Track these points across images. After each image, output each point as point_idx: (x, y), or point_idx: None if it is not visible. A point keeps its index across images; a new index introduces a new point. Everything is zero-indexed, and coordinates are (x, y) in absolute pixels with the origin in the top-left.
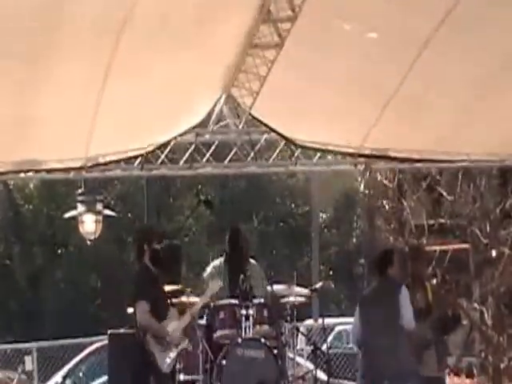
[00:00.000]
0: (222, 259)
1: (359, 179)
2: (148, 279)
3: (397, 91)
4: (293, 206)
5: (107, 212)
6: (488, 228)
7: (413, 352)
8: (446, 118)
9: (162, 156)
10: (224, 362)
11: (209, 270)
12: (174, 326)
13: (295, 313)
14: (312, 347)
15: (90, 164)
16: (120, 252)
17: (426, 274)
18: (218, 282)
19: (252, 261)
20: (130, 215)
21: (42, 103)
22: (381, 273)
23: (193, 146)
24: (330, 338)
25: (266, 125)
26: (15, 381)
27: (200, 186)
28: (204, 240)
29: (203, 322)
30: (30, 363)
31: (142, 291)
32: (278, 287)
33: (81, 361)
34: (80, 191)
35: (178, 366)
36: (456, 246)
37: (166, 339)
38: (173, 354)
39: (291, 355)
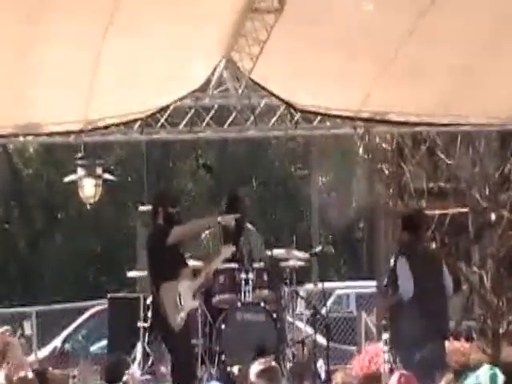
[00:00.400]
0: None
1: (358, 143)
2: (161, 239)
3: (396, 54)
4: (292, 169)
5: (107, 176)
6: (487, 191)
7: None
8: (445, 81)
9: (162, 120)
10: (223, 326)
11: (207, 231)
12: (185, 285)
13: (295, 277)
14: (311, 311)
15: (89, 127)
16: (120, 216)
17: (426, 238)
18: (230, 246)
19: (249, 226)
20: (129, 180)
21: (41, 66)
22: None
23: (193, 110)
24: (329, 302)
25: (265, 89)
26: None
27: (200, 151)
28: (204, 204)
29: None
30: (28, 327)
31: (152, 248)
32: (277, 251)
33: (80, 325)
34: (79, 155)
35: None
36: (455, 210)
37: (177, 298)
38: (183, 314)
39: (290, 319)
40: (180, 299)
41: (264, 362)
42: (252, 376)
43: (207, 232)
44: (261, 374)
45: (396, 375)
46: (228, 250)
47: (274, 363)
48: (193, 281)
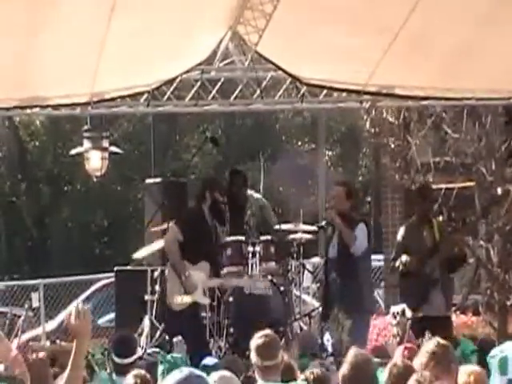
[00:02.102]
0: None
1: (365, 117)
2: (196, 221)
3: (402, 27)
4: (299, 143)
5: (113, 149)
6: (493, 166)
7: (418, 292)
8: (450, 54)
9: (168, 93)
10: (231, 299)
11: None
12: (198, 277)
13: (302, 250)
14: (318, 285)
15: (95, 99)
16: (127, 190)
17: (433, 209)
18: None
19: (255, 195)
20: (136, 153)
21: (48, 39)
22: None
23: (199, 83)
24: None
25: (271, 62)
26: (22, 317)
27: (206, 125)
28: None
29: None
30: (36, 300)
31: (184, 225)
32: (284, 225)
33: (88, 298)
34: (86, 128)
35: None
36: (462, 184)
37: (181, 279)
38: (187, 299)
39: (297, 292)
40: (189, 285)
41: (264, 335)
42: (252, 349)
43: None
44: (259, 348)
45: (400, 348)
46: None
47: (273, 336)
48: (209, 278)
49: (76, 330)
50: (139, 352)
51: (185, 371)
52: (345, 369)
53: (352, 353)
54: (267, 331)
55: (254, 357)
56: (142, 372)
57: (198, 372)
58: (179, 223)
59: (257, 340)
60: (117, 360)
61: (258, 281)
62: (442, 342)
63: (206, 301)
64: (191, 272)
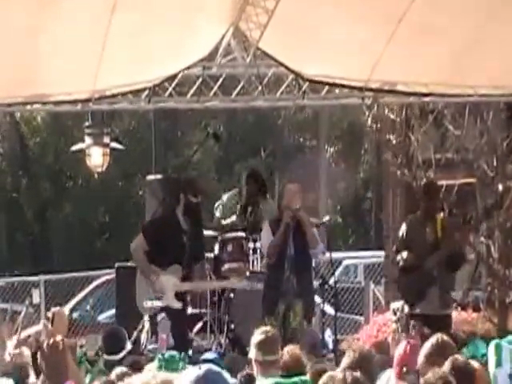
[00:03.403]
0: (233, 193)
1: (366, 114)
2: (165, 226)
3: (401, 21)
4: (301, 140)
5: (114, 145)
6: (495, 162)
7: (416, 289)
8: (452, 50)
9: (170, 89)
10: (232, 295)
11: (220, 202)
12: (168, 281)
13: None
14: (319, 281)
15: (97, 96)
16: (128, 186)
17: (438, 207)
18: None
19: (270, 200)
20: (138, 149)
21: (50, 36)
22: None
23: (200, 79)
24: (337, 273)
25: (273, 58)
26: (22, 313)
27: (208, 121)
28: (212, 174)
29: (211, 255)
30: (37, 296)
31: (151, 232)
32: None
33: (88, 294)
34: (87, 124)
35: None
36: (463, 181)
37: (150, 282)
38: (157, 304)
39: None
40: (160, 292)
41: (266, 330)
42: (253, 344)
43: (224, 203)
44: (260, 343)
45: (403, 344)
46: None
47: (274, 331)
48: (180, 282)
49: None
50: (128, 347)
51: (203, 368)
52: (346, 365)
53: (353, 349)
54: (268, 327)
55: (254, 352)
56: (124, 369)
57: (215, 368)
58: (146, 231)
59: (258, 335)
60: (106, 357)
61: (229, 281)
62: (444, 337)
63: (177, 305)
64: (162, 277)
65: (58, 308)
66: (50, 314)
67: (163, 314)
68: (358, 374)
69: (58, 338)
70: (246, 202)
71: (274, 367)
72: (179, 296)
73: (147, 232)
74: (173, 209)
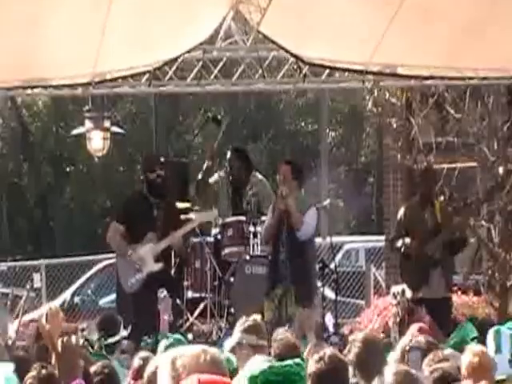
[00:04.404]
0: (221, 172)
1: (367, 97)
2: (132, 205)
3: (402, 3)
4: (302, 124)
5: (115, 129)
6: (496, 146)
7: (418, 273)
8: (454, 33)
9: (170, 72)
10: (232, 279)
11: (212, 180)
12: (145, 249)
13: None
14: (320, 265)
15: (97, 80)
16: (129, 171)
17: (435, 192)
18: (214, 212)
19: (259, 176)
20: (139, 133)
21: (50, 21)
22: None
23: (200, 63)
24: (338, 257)
25: (273, 42)
26: (23, 298)
27: (209, 105)
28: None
29: (211, 239)
30: (38, 280)
31: (121, 215)
32: None
33: (89, 279)
34: (87, 108)
35: (186, 284)
36: (463, 164)
37: (127, 259)
38: (139, 276)
39: None
40: (138, 262)
41: (254, 318)
42: (244, 329)
43: (214, 183)
44: (254, 327)
45: (414, 327)
46: (211, 215)
47: (259, 320)
48: (156, 244)
49: (47, 331)
50: (123, 333)
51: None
52: (356, 349)
53: (362, 333)
54: (254, 316)
55: (245, 336)
56: (147, 354)
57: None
58: (118, 215)
59: (249, 321)
60: (103, 341)
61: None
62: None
63: (157, 266)
64: (138, 248)
65: (51, 305)
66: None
67: (163, 296)
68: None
69: (73, 338)
70: (234, 184)
71: (265, 352)
72: (159, 258)
73: (119, 215)
74: (141, 189)
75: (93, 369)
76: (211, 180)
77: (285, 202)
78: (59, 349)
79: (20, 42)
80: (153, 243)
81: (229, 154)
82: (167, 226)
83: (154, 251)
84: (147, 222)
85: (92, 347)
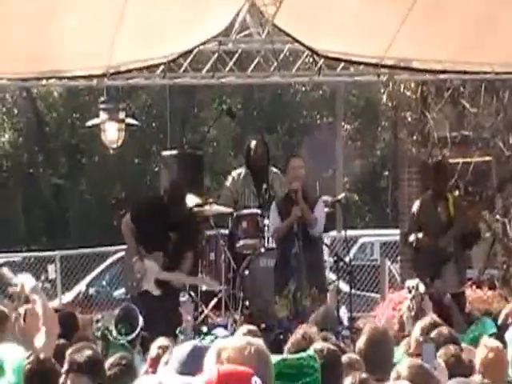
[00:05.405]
0: (243, 169)
1: (382, 91)
2: (152, 214)
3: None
4: (317, 117)
5: (130, 121)
6: (511, 140)
7: (432, 267)
8: (469, 27)
9: (185, 64)
10: (246, 272)
11: (230, 178)
12: (150, 264)
13: None
14: (335, 258)
15: (112, 71)
16: (144, 162)
17: (448, 187)
18: (217, 284)
19: (274, 169)
20: (153, 125)
21: (66, 13)
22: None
23: (216, 55)
24: (353, 250)
25: (288, 34)
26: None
27: (224, 97)
28: (228, 151)
29: (226, 231)
30: (53, 271)
31: (135, 216)
32: None
33: (104, 270)
34: (102, 99)
35: (200, 276)
36: (479, 159)
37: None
38: (138, 285)
39: None
40: (140, 273)
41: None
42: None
43: (230, 179)
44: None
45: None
46: (214, 285)
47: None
48: (162, 271)
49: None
50: (141, 325)
51: (188, 345)
52: (362, 342)
53: (369, 326)
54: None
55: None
56: (165, 342)
57: (201, 344)
58: (133, 214)
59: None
60: (119, 338)
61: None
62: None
63: (156, 292)
64: (145, 260)
65: (30, 306)
66: (22, 310)
67: (185, 297)
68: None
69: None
70: (258, 177)
71: None
72: (160, 283)
73: (134, 215)
74: (161, 198)
75: (110, 360)
76: (234, 174)
77: (300, 208)
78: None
79: (36, 35)
80: (158, 264)
81: (253, 145)
82: (177, 255)
83: (155, 276)
84: (159, 238)
85: (107, 339)
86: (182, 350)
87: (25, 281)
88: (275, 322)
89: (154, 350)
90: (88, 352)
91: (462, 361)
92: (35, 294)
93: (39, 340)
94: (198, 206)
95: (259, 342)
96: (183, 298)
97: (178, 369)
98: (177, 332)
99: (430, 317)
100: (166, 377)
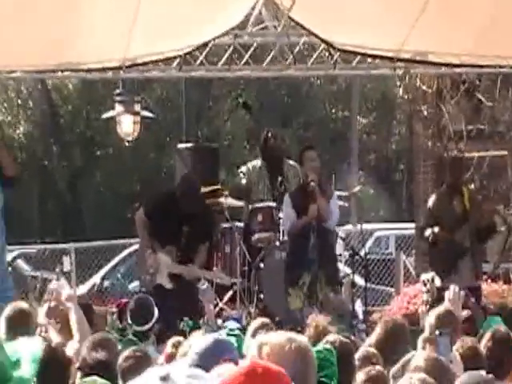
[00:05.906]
0: (258, 161)
1: (398, 84)
2: (166, 208)
3: None
4: (333, 111)
5: (145, 113)
6: None
7: (447, 261)
8: (484, 20)
9: (201, 57)
10: (262, 265)
11: (245, 169)
12: (163, 258)
13: None
14: (350, 252)
15: (127, 64)
16: (159, 155)
17: (463, 181)
18: (229, 278)
19: (290, 161)
20: (169, 118)
21: (83, 6)
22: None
23: (231, 48)
24: (368, 244)
25: (304, 28)
26: (53, 281)
27: (240, 90)
28: (243, 144)
29: (241, 224)
30: (68, 264)
31: (149, 210)
32: None
33: (119, 263)
34: (118, 91)
35: (215, 269)
36: (494, 153)
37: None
38: (157, 279)
39: None
40: (153, 267)
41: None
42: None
43: (245, 171)
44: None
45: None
46: (227, 280)
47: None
48: (174, 264)
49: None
50: (156, 317)
51: (209, 338)
52: (376, 333)
53: (386, 320)
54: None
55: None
56: (180, 339)
57: (223, 337)
58: (147, 208)
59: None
60: (135, 327)
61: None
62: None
63: (169, 285)
64: (158, 253)
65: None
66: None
67: (205, 285)
68: None
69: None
70: (274, 169)
71: None
72: (173, 277)
73: (147, 209)
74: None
75: (125, 353)
76: (249, 165)
77: (318, 204)
78: None
79: (52, 27)
80: (171, 258)
81: (269, 135)
82: (190, 249)
83: (169, 269)
84: (171, 232)
85: (121, 332)
86: (203, 342)
87: (61, 288)
88: (289, 314)
89: (169, 346)
90: (101, 353)
91: (478, 353)
92: (71, 301)
93: (71, 347)
94: (212, 192)
95: (302, 339)
96: (203, 286)
97: (196, 361)
98: (200, 323)
99: (445, 306)
100: (174, 368)
